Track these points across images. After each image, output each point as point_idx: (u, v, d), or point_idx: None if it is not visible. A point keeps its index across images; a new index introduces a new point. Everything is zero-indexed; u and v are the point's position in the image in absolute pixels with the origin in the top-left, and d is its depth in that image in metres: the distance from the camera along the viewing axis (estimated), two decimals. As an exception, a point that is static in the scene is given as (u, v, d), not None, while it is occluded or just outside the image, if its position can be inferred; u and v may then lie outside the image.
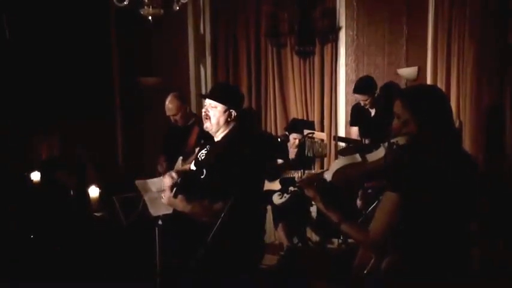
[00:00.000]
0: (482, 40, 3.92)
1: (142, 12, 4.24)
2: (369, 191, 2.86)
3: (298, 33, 5.55)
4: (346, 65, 5.42)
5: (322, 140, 4.61)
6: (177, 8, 4.36)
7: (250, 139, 2.95)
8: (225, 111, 2.81)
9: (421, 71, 5.02)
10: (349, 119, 5.11)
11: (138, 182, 2.95)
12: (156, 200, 2.88)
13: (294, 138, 4.62)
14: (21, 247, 3.95)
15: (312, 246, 4.64)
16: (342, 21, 5.41)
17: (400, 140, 2.07)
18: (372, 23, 5.27)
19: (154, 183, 2.97)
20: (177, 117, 4.36)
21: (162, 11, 4.25)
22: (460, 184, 2.01)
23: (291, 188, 2.33)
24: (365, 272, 2.19)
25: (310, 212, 4.62)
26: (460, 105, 4.35)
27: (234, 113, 2.83)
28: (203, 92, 6.07)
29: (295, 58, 5.72)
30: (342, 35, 5.42)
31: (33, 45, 5.09)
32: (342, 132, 5.47)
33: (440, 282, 2.03)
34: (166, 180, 2.78)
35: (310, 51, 5.60)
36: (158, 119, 5.08)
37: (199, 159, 2.91)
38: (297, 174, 4.07)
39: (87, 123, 5.31)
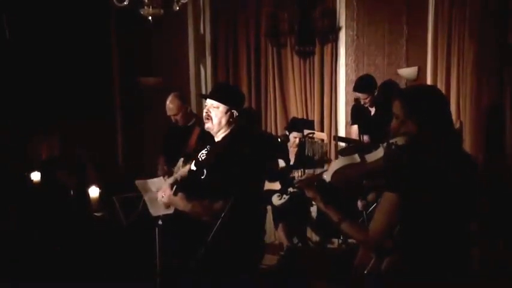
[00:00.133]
0: (482, 40, 3.92)
1: (142, 12, 4.23)
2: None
3: (298, 33, 5.55)
4: (346, 65, 5.42)
5: (322, 140, 4.61)
6: (177, 8, 4.36)
7: (250, 139, 2.95)
8: (226, 112, 2.81)
9: (421, 71, 5.03)
10: (349, 119, 5.12)
11: (138, 182, 2.96)
12: (156, 200, 2.89)
13: (294, 137, 4.62)
14: (21, 247, 3.95)
15: (312, 246, 4.64)
16: (342, 21, 5.41)
17: (399, 140, 2.07)
18: (372, 23, 5.27)
19: (154, 183, 2.97)
20: (178, 117, 4.36)
21: (162, 11, 4.25)
22: (460, 184, 2.02)
23: (290, 189, 2.33)
24: (365, 272, 2.19)
25: (310, 212, 4.62)
26: (460, 105, 4.35)
27: (235, 113, 2.83)
28: (203, 92, 6.08)
29: (295, 58, 5.72)
30: (342, 35, 5.42)
31: (33, 45, 5.08)
32: (342, 132, 5.47)
33: (440, 282, 2.03)
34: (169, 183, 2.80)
35: (310, 51, 5.60)
36: (158, 119, 5.08)
37: (200, 159, 2.91)
38: (297, 174, 4.08)
39: (87, 123, 5.31)
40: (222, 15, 6.11)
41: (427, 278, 2.03)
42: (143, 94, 6.01)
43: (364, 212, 3.87)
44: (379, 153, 2.17)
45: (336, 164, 2.27)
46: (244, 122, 2.94)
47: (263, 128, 5.96)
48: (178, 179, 2.89)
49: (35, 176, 4.39)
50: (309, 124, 4.95)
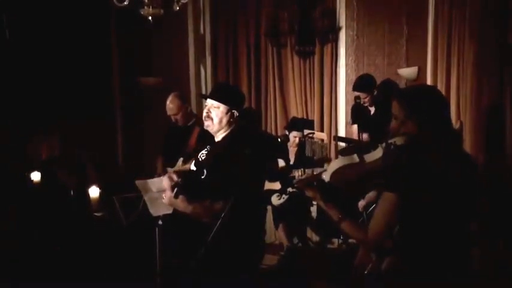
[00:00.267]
0: (482, 40, 3.92)
1: (142, 12, 4.24)
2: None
3: (298, 33, 5.55)
4: (346, 65, 5.42)
5: (322, 140, 4.61)
6: (177, 8, 4.36)
7: (250, 139, 2.95)
8: (227, 112, 2.81)
9: (421, 71, 5.03)
10: (349, 119, 5.12)
11: (138, 182, 2.95)
12: (156, 200, 2.88)
13: (294, 137, 4.63)
14: (21, 247, 3.95)
15: (312, 246, 4.64)
16: (342, 21, 5.41)
17: (398, 141, 2.07)
18: (372, 23, 5.28)
19: (154, 183, 2.96)
20: (178, 117, 4.36)
21: (162, 11, 4.25)
22: (459, 184, 2.02)
23: (289, 189, 2.32)
24: (365, 272, 2.19)
25: (310, 212, 4.62)
26: (460, 105, 4.35)
27: (235, 113, 2.83)
28: (203, 92, 6.08)
29: (295, 58, 5.72)
30: (342, 35, 5.42)
31: (33, 45, 5.08)
32: (342, 132, 5.47)
33: (440, 282, 2.03)
34: (166, 182, 2.78)
35: (310, 51, 5.61)
36: (158, 119, 5.08)
37: (200, 159, 2.91)
38: (297, 174, 4.08)
39: (87, 123, 5.31)
40: (222, 15, 6.12)
41: (427, 278, 2.02)
42: (143, 94, 6.01)
43: (364, 212, 3.87)
44: (378, 153, 2.17)
45: (334, 164, 2.26)
46: (245, 122, 2.94)
47: (263, 128, 5.96)
48: (174, 176, 2.84)
49: (35, 176, 4.39)
50: (309, 124, 4.96)
